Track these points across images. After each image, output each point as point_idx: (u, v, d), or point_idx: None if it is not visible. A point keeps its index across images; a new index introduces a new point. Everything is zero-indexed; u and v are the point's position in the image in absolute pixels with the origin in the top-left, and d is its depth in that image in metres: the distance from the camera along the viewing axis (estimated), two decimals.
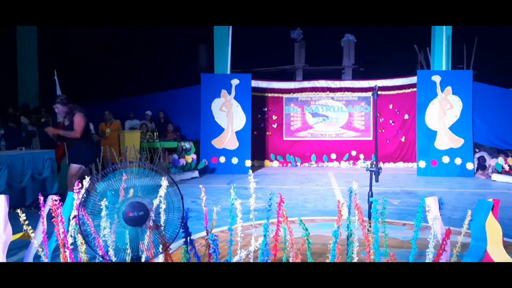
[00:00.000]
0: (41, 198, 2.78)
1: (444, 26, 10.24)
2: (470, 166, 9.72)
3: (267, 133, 12.24)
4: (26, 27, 10.37)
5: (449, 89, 9.90)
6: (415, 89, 10.75)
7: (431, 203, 2.37)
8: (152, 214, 2.16)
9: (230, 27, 10.79)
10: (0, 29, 10.48)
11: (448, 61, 10.45)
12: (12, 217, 2.77)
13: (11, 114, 8.47)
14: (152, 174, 2.28)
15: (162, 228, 2.25)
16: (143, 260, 2.29)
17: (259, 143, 11.85)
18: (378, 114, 11.63)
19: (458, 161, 9.77)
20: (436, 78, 9.94)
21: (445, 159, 9.81)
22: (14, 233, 2.81)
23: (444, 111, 9.89)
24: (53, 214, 2.47)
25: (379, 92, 10.08)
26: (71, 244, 2.50)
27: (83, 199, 2.30)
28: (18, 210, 2.54)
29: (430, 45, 11.13)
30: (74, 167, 5.46)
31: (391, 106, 11.84)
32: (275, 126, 12.26)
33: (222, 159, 10.50)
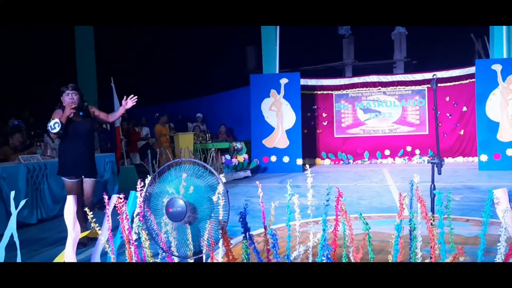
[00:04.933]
0: (106, 197, 2.92)
1: None
2: None
3: (318, 131, 12.11)
4: (84, 36, 10.88)
5: (511, 78, 9.34)
6: (473, 80, 10.23)
7: (501, 195, 2.24)
8: (188, 210, 2.19)
9: (278, 27, 10.80)
10: (61, 40, 11.11)
11: (509, 49, 9.85)
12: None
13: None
14: (197, 168, 2.30)
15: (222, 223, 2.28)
16: (204, 255, 2.35)
17: (310, 141, 11.75)
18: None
19: None
20: (497, 67, 9.40)
21: (510, 152, 9.25)
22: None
23: (506, 101, 9.33)
24: (118, 212, 2.58)
25: None
26: (135, 240, 2.60)
27: (146, 197, 2.38)
28: (86, 209, 2.68)
29: (488, 33, 10.56)
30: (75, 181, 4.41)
31: (447, 99, 11.34)
32: (325, 123, 12.11)
33: (273, 158, 10.51)
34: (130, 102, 4.45)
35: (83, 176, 4.42)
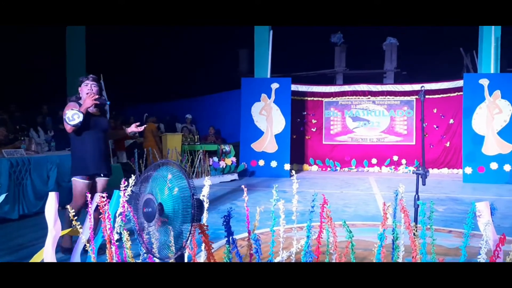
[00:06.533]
0: (89, 195, 2.88)
1: (492, 28, 9.83)
2: None
3: (307, 137, 12.14)
4: (75, 32, 10.79)
5: (497, 92, 9.48)
6: (461, 93, 10.37)
7: (483, 208, 2.26)
8: (156, 211, 2.15)
9: (271, 32, 10.83)
10: (52, 35, 10.99)
11: (496, 64, 10.02)
12: (61, 215, 2.88)
13: (61, 117, 8.86)
14: (176, 171, 2.24)
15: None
16: (185, 257, 2.32)
17: (298, 147, 11.78)
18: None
19: (507, 167, 9.31)
20: (484, 82, 9.54)
21: (493, 166, 9.38)
22: (62, 229, 2.93)
23: (492, 116, 9.47)
24: (100, 211, 2.54)
25: None
26: (117, 241, 2.56)
27: (129, 196, 2.35)
28: (68, 206, 2.64)
29: (476, 48, 10.72)
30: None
31: (435, 111, 11.46)
32: (314, 130, 12.15)
33: (261, 162, 10.51)
34: (139, 128, 4.26)
35: (97, 176, 4.01)
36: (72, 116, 3.67)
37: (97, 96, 3.84)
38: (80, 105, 3.86)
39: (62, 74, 10.88)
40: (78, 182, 3.90)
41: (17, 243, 4.37)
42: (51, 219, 2.79)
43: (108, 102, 3.97)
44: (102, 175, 4.02)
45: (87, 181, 3.91)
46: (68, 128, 3.79)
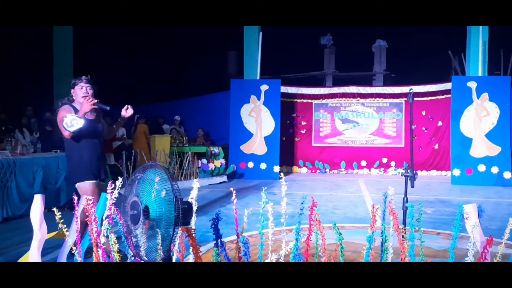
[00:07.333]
0: (75, 198, 2.84)
1: (480, 31, 9.94)
2: (507, 175, 9.36)
3: (296, 139, 12.15)
4: (63, 33, 10.68)
5: (485, 95, 9.59)
6: (449, 96, 10.46)
7: (470, 210, 2.28)
8: (141, 213, 2.12)
9: (260, 34, 10.82)
10: (38, 35, 10.87)
11: (484, 67, 10.12)
12: (47, 218, 2.83)
13: (48, 118, 8.76)
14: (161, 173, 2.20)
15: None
16: (173, 260, 2.29)
17: (288, 149, 11.78)
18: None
19: (494, 169, 9.42)
20: (472, 84, 9.65)
21: (481, 168, 9.48)
22: (48, 232, 2.88)
23: (480, 118, 9.57)
24: (86, 214, 2.50)
25: None
26: (103, 244, 2.52)
27: (116, 199, 2.32)
28: (54, 209, 2.59)
29: (465, 51, 10.83)
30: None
31: (424, 113, 11.54)
32: (304, 132, 12.16)
33: (250, 165, 10.48)
34: (130, 110, 4.09)
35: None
36: (71, 122, 3.49)
37: (96, 101, 3.69)
38: (74, 108, 3.73)
39: (49, 74, 10.75)
40: (88, 184, 3.73)
41: (1, 247, 4.29)
42: (36, 222, 2.74)
43: (107, 108, 3.79)
44: (101, 179, 3.91)
45: (95, 181, 3.77)
46: (67, 134, 3.62)
